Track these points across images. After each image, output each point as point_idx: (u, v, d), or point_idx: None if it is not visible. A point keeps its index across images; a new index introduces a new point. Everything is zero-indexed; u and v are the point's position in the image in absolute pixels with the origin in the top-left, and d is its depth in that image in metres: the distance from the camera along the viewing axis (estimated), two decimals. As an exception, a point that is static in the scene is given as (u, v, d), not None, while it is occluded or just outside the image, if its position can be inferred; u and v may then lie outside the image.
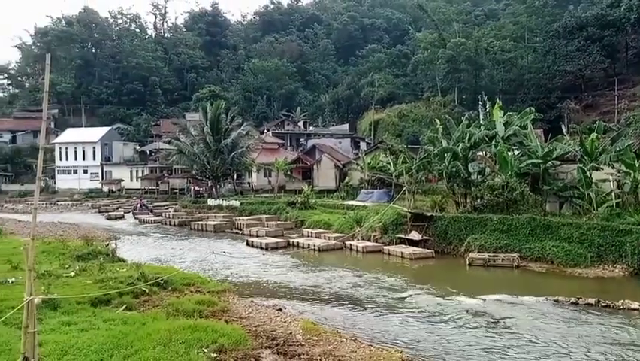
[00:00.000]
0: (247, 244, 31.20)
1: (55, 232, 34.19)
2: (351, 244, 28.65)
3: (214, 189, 54.36)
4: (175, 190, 64.04)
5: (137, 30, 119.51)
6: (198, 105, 71.90)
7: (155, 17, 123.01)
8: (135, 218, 49.18)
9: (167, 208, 52.30)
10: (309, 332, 12.16)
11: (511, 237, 23.90)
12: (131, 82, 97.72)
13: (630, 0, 61.58)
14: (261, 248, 29.65)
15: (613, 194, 24.89)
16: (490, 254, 23.31)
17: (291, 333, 12.13)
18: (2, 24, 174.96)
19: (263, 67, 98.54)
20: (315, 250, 28.24)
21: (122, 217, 50.14)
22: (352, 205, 37.41)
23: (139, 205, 54.04)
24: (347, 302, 17.33)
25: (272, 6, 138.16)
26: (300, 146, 73.59)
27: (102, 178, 74.08)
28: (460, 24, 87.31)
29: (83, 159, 75.71)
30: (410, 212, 28.87)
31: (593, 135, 27.51)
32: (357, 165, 46.67)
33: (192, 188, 58.46)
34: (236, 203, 46.71)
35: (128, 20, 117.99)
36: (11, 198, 66.90)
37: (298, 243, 29.97)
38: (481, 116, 33.55)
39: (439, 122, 34.93)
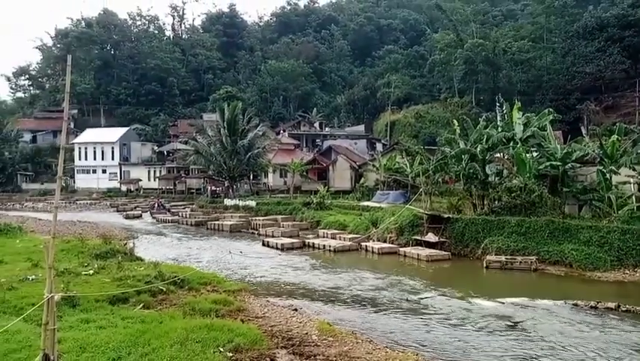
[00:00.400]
0: (263, 244, 31.27)
1: (74, 230, 34.58)
2: (366, 245, 28.53)
3: (230, 190, 54.66)
4: (192, 190, 64.60)
5: (156, 31, 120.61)
6: (215, 106, 72.44)
7: (173, 19, 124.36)
8: (153, 217, 49.66)
9: (184, 208, 52.72)
10: (325, 333, 12.14)
11: (529, 240, 23.54)
12: (149, 83, 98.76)
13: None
14: (277, 248, 29.70)
15: (634, 197, 24.49)
16: (508, 257, 23.04)
17: (306, 333, 12.13)
18: (23, 26, 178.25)
19: (279, 68, 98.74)
20: (330, 250, 28.21)
21: (139, 217, 50.63)
22: (368, 206, 37.29)
23: (156, 205, 54.70)
24: (364, 304, 17.22)
25: (289, 7, 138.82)
26: (315, 147, 73.64)
27: (120, 178, 75.09)
28: (477, 25, 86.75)
29: (102, 158, 76.86)
30: (427, 214, 28.68)
31: (614, 137, 26.98)
32: (373, 166, 46.55)
33: (209, 188, 58.84)
34: (253, 203, 46.93)
35: (147, 22, 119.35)
36: (31, 197, 68.19)
37: (314, 243, 29.95)
38: (498, 118, 33.15)
39: (456, 124, 34.62)
